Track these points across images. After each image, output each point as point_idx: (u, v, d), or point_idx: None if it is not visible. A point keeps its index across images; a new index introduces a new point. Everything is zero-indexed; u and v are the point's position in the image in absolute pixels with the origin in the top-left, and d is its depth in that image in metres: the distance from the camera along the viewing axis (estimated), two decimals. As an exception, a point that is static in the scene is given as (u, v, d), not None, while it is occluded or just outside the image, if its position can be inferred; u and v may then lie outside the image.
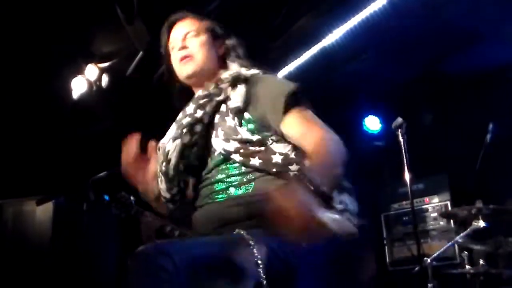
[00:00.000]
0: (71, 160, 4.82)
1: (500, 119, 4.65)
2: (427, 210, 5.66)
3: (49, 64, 4.63)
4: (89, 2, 3.99)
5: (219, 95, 1.95)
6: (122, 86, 4.81)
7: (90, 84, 4.76)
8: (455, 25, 4.68)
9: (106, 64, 4.72)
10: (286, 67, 4.93)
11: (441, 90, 5.98)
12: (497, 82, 5.63)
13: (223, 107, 1.96)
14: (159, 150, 2.07)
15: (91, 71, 4.78)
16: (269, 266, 1.62)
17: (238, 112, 1.91)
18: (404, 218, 5.92)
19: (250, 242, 1.64)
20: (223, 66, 2.10)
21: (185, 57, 2.05)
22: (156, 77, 4.82)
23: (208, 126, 1.96)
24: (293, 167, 1.82)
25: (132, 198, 3.07)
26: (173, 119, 2.09)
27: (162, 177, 2.01)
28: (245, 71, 2.01)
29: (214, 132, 1.94)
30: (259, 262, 1.60)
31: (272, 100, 1.88)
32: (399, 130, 3.35)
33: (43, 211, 4.01)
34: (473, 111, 5.57)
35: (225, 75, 2.01)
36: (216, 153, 1.93)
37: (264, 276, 1.59)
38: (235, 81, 1.97)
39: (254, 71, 2.04)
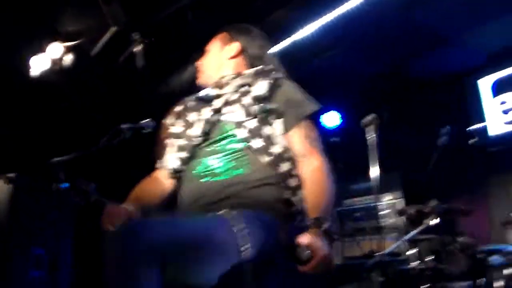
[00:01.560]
0: (31, 139, 4.70)
1: (454, 122, 4.84)
2: (379, 207, 5.83)
3: (11, 40, 4.51)
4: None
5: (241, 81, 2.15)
6: (87, 66, 4.73)
7: (54, 62, 4.65)
8: (423, 28, 4.85)
9: (71, 43, 4.62)
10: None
11: (401, 90, 6.18)
12: (455, 86, 5.86)
13: (243, 90, 2.12)
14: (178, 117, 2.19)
15: (55, 49, 4.67)
16: (249, 241, 1.72)
17: (261, 100, 2.06)
18: (355, 214, 6.09)
19: (232, 223, 1.73)
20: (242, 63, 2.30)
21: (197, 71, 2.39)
22: (123, 59, 4.78)
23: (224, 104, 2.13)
24: (285, 165, 1.98)
25: (92, 184, 3.00)
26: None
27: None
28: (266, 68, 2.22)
29: (229, 107, 2.08)
30: (240, 233, 1.71)
31: (297, 105, 2.09)
32: (370, 126, 3.43)
33: (2, 191, 3.90)
34: (430, 112, 5.76)
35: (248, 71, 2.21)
36: (224, 127, 2.06)
37: (243, 254, 1.70)
38: (258, 74, 2.17)
39: (277, 74, 2.22)
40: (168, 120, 2.24)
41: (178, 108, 2.24)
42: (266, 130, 2.01)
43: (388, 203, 5.85)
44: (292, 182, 2.01)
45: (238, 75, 2.19)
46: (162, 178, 2.27)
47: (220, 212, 1.79)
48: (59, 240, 4.23)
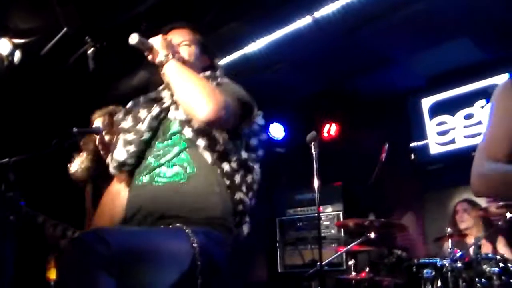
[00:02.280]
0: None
1: (394, 139, 5.03)
2: (320, 218, 5.94)
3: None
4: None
5: None
6: (36, 65, 4.66)
7: (1, 58, 4.56)
8: (368, 47, 5.05)
9: (20, 41, 4.54)
10: (205, 68, 5.03)
11: (345, 106, 6.36)
12: (395, 105, 6.10)
13: None
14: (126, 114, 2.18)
15: (4, 45, 4.58)
16: (202, 252, 1.75)
17: None
18: (298, 224, 6.22)
19: (187, 231, 1.78)
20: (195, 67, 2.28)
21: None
22: (72, 60, 4.74)
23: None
24: (229, 164, 2.01)
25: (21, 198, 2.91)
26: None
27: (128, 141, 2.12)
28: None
29: (176, 105, 2.12)
30: (195, 245, 1.74)
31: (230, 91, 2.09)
32: (313, 143, 3.55)
33: None
34: (371, 129, 5.97)
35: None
36: (170, 124, 2.09)
37: (199, 261, 1.73)
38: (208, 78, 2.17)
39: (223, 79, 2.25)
40: (119, 116, 2.23)
41: (129, 105, 2.24)
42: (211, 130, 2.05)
43: (329, 215, 6.00)
44: (237, 179, 2.04)
45: None
46: (119, 188, 2.25)
47: (178, 225, 1.83)
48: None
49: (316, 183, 3.63)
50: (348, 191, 6.07)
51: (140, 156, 2.11)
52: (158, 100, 2.17)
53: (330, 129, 6.56)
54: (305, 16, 4.41)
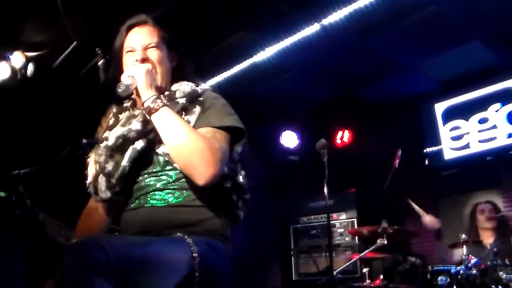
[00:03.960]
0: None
1: (407, 146, 5.00)
2: (334, 225, 5.95)
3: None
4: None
5: (174, 108, 2.00)
6: (48, 77, 4.71)
7: (14, 71, 4.61)
8: (379, 53, 5.04)
9: (33, 54, 4.60)
10: (215, 77, 5.06)
11: (356, 113, 6.34)
12: (408, 111, 6.06)
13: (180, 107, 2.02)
14: (100, 143, 2.08)
15: (16, 58, 4.64)
16: (202, 263, 1.74)
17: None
18: (312, 232, 6.20)
19: (188, 241, 1.77)
20: (174, 77, 2.17)
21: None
22: (83, 72, 4.78)
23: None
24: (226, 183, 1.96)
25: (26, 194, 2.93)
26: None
27: (104, 177, 2.02)
28: (198, 88, 2.10)
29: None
30: (195, 255, 1.72)
31: (217, 116, 1.99)
32: (322, 150, 3.54)
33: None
34: (384, 135, 5.93)
35: (179, 88, 2.09)
36: (159, 158, 1.99)
37: (198, 271, 1.72)
38: (191, 98, 2.05)
39: (205, 87, 2.15)
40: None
41: (110, 121, 2.15)
42: None
43: (343, 222, 5.97)
44: (234, 197, 2.01)
45: (170, 95, 2.07)
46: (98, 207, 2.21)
47: (179, 234, 1.81)
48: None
49: (326, 190, 3.61)
50: (362, 198, 6.04)
51: (125, 189, 2.04)
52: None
53: (343, 136, 6.55)
54: (313, 24, 4.42)
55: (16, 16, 4.26)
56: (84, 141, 2.68)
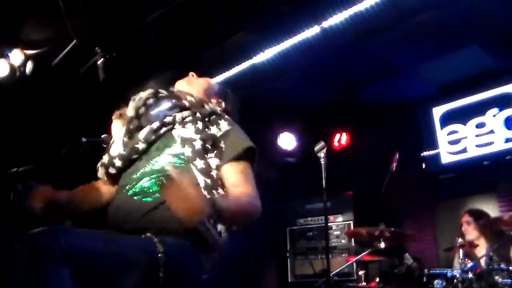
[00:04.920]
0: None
1: (405, 149, 5.00)
2: (331, 228, 5.95)
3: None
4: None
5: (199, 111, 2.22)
6: (47, 75, 4.70)
7: (13, 69, 4.61)
8: (377, 56, 5.06)
9: (33, 52, 4.59)
10: (215, 78, 5.06)
11: (354, 116, 6.35)
12: (405, 114, 6.07)
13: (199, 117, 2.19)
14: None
15: (16, 56, 4.63)
16: (168, 264, 1.73)
17: (211, 139, 2.13)
18: (308, 234, 6.20)
19: (155, 240, 1.77)
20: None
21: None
22: (83, 71, 4.78)
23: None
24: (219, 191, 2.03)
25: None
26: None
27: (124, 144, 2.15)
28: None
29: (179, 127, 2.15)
30: (160, 256, 1.72)
31: (234, 143, 2.14)
32: (321, 153, 3.54)
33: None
34: (382, 138, 5.93)
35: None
36: (172, 142, 2.10)
37: (162, 272, 1.71)
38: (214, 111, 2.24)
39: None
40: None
41: (149, 99, 2.30)
42: (207, 155, 2.07)
43: (340, 224, 5.98)
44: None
45: (203, 103, 2.26)
46: (101, 187, 2.30)
47: (148, 235, 1.81)
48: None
49: (324, 193, 3.61)
50: (359, 200, 6.04)
51: (127, 164, 2.13)
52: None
53: (341, 139, 6.55)
54: (313, 26, 4.43)
55: (15, 14, 4.26)
56: (84, 139, 2.68)
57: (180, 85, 2.39)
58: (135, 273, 1.67)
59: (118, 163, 2.13)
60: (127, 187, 2.03)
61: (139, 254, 1.70)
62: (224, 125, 2.18)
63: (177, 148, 2.08)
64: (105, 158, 2.19)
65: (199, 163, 2.02)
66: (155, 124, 2.14)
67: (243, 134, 2.22)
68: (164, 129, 2.15)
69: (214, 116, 2.21)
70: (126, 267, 1.66)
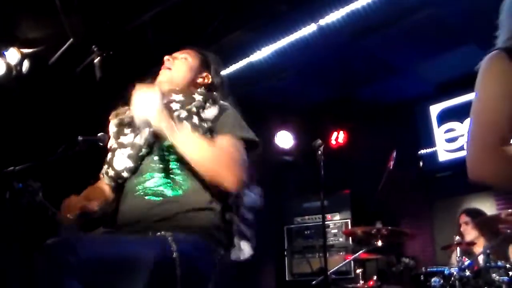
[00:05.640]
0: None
1: (402, 147, 5.00)
2: (328, 226, 5.95)
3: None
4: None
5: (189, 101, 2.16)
6: (43, 74, 4.69)
7: (10, 67, 4.60)
8: (374, 55, 5.06)
9: (29, 50, 4.58)
10: (211, 76, 5.06)
11: (352, 114, 6.35)
12: (403, 113, 6.07)
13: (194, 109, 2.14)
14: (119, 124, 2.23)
15: (12, 54, 4.62)
16: (183, 262, 1.75)
17: (207, 121, 2.11)
18: (306, 232, 6.21)
19: (169, 239, 1.78)
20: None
21: (166, 67, 2.33)
22: (79, 69, 4.77)
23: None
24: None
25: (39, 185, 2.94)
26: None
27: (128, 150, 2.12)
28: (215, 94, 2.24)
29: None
30: (175, 255, 1.73)
31: (232, 126, 2.11)
32: (318, 151, 3.54)
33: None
34: (379, 137, 5.93)
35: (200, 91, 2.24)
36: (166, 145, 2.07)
37: (179, 270, 1.73)
38: (207, 97, 2.18)
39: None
40: (113, 128, 2.26)
41: (127, 115, 2.26)
42: None
43: (337, 223, 5.98)
44: (230, 200, 2.06)
45: (191, 94, 2.21)
46: (104, 187, 2.27)
47: (162, 233, 1.82)
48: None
49: (321, 191, 3.61)
50: (356, 199, 6.05)
51: (134, 170, 2.11)
52: None
53: (338, 137, 6.54)
54: (310, 24, 4.43)
55: (12, 12, 4.25)
56: (80, 138, 2.68)
57: (163, 86, 2.29)
58: (153, 274, 1.67)
59: (126, 174, 2.11)
60: (137, 188, 2.03)
61: (155, 255, 1.71)
62: (215, 112, 2.15)
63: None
64: (111, 172, 2.14)
65: None
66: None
67: (238, 120, 2.18)
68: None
69: (207, 104, 2.16)
70: (144, 269, 1.66)
